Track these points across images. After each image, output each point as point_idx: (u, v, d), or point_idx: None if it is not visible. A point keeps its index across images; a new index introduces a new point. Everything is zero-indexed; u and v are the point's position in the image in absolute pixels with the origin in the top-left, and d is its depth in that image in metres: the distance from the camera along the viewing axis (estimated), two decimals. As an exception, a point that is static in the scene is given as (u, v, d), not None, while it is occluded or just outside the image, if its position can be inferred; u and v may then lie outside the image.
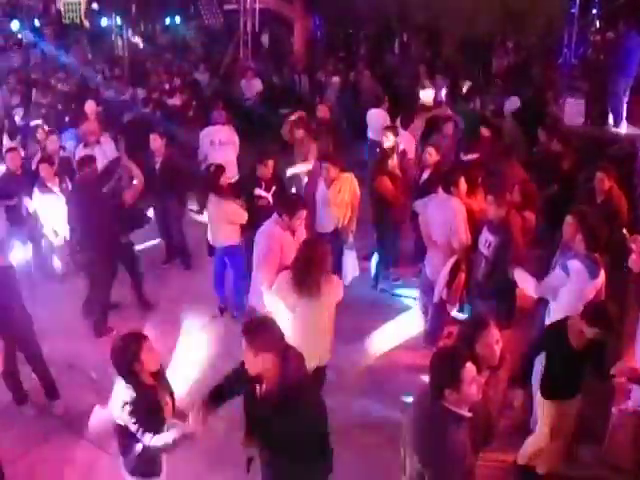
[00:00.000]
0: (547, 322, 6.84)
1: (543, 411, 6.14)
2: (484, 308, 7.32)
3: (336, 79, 16.42)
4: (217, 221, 9.15)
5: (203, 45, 23.42)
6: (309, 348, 5.90)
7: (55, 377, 7.70)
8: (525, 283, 7.08)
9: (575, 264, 6.53)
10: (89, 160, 9.22)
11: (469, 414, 4.45)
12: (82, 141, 11.46)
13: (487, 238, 7.56)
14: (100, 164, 10.93)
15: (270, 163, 9.56)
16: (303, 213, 7.44)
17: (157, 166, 10.60)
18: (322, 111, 12.66)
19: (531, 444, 6.37)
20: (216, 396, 5.14)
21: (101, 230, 8.73)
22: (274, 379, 4.70)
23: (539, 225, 8.82)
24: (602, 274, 6.65)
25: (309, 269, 6.40)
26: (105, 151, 11.26)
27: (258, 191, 9.44)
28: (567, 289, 6.56)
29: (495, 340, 5.14)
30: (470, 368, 4.39)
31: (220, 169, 9.29)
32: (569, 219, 6.95)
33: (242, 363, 4.86)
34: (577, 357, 5.76)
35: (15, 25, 23.92)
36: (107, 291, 9.15)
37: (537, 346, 6.22)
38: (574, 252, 6.70)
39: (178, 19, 25.71)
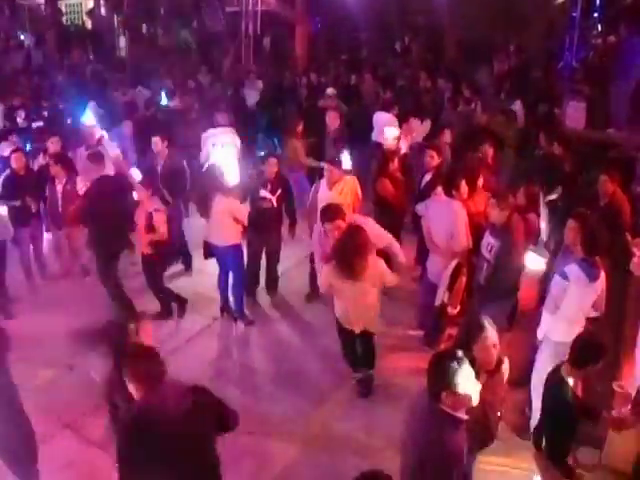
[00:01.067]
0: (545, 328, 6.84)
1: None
2: (485, 311, 7.32)
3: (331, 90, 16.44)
4: (222, 219, 9.06)
5: (205, 47, 23.40)
6: (352, 319, 7.50)
7: (56, 378, 7.71)
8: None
9: (573, 269, 6.51)
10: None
11: (466, 417, 4.45)
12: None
13: (489, 241, 7.55)
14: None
15: (273, 161, 9.59)
16: (337, 223, 7.55)
17: (159, 168, 10.61)
18: (332, 117, 12.61)
19: None
20: None
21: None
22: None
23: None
24: (602, 278, 6.64)
25: (347, 256, 6.95)
26: (107, 153, 11.24)
27: (263, 192, 9.46)
28: (567, 295, 6.54)
29: (492, 344, 5.14)
30: (469, 371, 4.41)
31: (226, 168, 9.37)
32: (571, 222, 6.96)
33: None
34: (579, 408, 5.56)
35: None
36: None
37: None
38: (573, 257, 6.70)
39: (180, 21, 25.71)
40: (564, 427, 5.50)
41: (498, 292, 7.44)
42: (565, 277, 6.51)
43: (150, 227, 9.13)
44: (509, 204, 7.57)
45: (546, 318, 6.73)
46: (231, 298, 9.51)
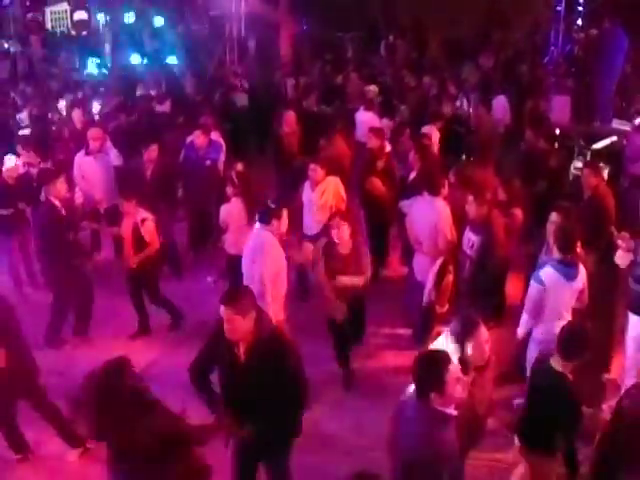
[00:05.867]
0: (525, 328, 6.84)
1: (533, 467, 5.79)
2: (470, 307, 7.34)
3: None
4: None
5: (189, 51, 23.35)
6: None
7: (46, 385, 7.68)
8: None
9: (547, 271, 6.50)
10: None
11: (455, 412, 4.45)
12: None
13: (470, 238, 7.56)
14: (101, 175, 10.86)
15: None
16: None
17: (148, 173, 10.57)
18: (287, 116, 12.39)
19: None
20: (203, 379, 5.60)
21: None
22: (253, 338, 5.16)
23: (527, 222, 8.85)
24: (582, 275, 6.62)
25: None
26: (106, 161, 11.11)
27: None
28: (546, 299, 6.52)
29: (485, 339, 5.15)
30: (454, 369, 4.40)
31: None
32: (553, 216, 6.99)
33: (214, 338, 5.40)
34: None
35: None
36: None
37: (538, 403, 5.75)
38: (548, 257, 6.70)
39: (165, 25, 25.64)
40: (556, 417, 5.47)
41: (481, 288, 7.44)
42: (540, 282, 6.50)
43: (139, 240, 8.78)
44: (487, 200, 7.56)
45: (525, 317, 6.74)
46: None
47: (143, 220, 8.78)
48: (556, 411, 5.43)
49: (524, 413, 5.86)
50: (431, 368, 4.44)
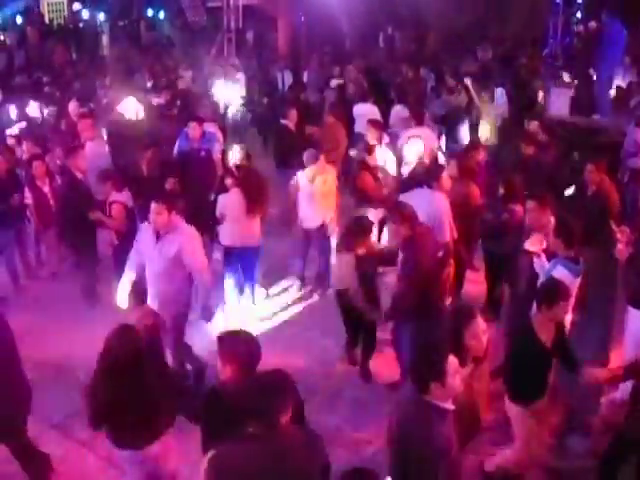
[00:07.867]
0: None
1: (517, 418, 5.95)
2: (405, 329, 7.37)
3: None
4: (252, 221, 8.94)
5: (187, 43, 23.31)
6: None
7: (42, 379, 7.66)
8: None
9: (560, 271, 6.44)
10: None
11: (452, 407, 4.43)
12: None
13: (401, 256, 7.34)
14: (90, 164, 10.83)
15: None
16: None
17: (144, 167, 10.51)
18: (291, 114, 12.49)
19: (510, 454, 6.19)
20: None
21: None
22: None
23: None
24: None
25: None
26: (95, 151, 11.10)
27: None
28: None
29: (482, 330, 5.13)
30: (452, 360, 4.38)
31: None
32: (530, 204, 7.20)
33: None
34: (548, 354, 5.63)
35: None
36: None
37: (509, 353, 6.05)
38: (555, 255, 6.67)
39: (162, 17, 25.65)
40: (531, 372, 5.63)
41: (409, 307, 7.18)
42: None
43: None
44: (406, 218, 7.21)
45: None
46: (246, 289, 9.32)
47: (112, 203, 9.06)
48: (523, 363, 5.66)
49: (506, 366, 6.00)
50: (432, 357, 4.41)
